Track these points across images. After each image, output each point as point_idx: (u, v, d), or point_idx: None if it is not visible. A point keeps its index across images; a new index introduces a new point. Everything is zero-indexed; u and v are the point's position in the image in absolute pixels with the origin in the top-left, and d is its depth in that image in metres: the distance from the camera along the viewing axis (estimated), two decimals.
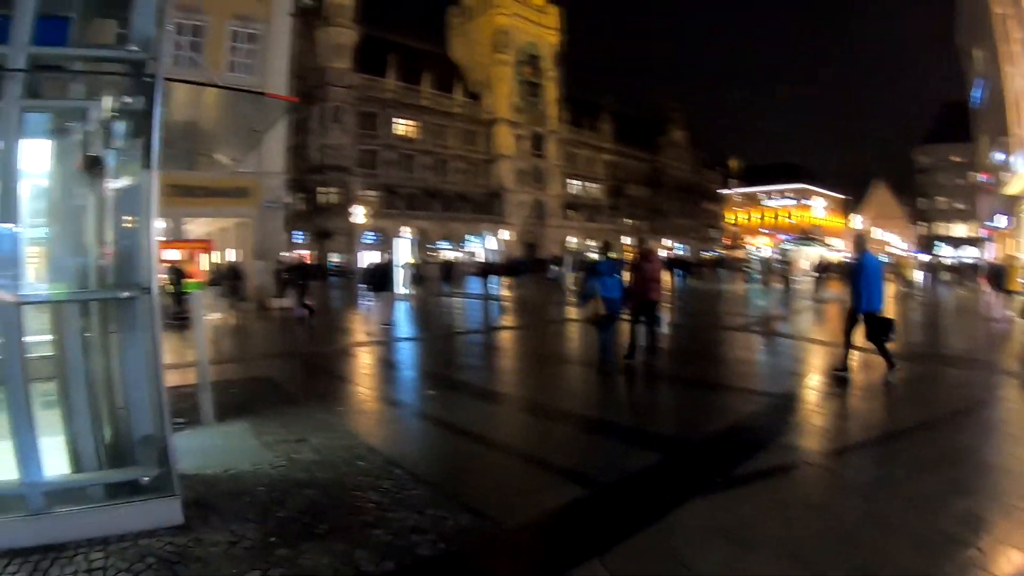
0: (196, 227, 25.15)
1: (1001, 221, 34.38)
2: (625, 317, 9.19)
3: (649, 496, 4.41)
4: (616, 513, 4.15)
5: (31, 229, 4.05)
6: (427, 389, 8.55)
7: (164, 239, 20.59)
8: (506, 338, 14.12)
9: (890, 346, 8.19)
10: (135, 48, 3.91)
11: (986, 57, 34.54)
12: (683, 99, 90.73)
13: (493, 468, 5.17)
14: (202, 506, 4.05)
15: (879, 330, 8.12)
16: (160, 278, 16.75)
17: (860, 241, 8.70)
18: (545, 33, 68.97)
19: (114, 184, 4.09)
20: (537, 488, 4.57)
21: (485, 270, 24.18)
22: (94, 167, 4.11)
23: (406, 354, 11.88)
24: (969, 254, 71.87)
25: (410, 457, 5.21)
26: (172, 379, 6.72)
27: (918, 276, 27.70)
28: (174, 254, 19.14)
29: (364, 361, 11.06)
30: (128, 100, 3.93)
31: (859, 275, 8.17)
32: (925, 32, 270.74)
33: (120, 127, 4.03)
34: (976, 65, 39.97)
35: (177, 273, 17.71)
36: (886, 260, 38.05)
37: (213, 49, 21.94)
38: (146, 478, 3.79)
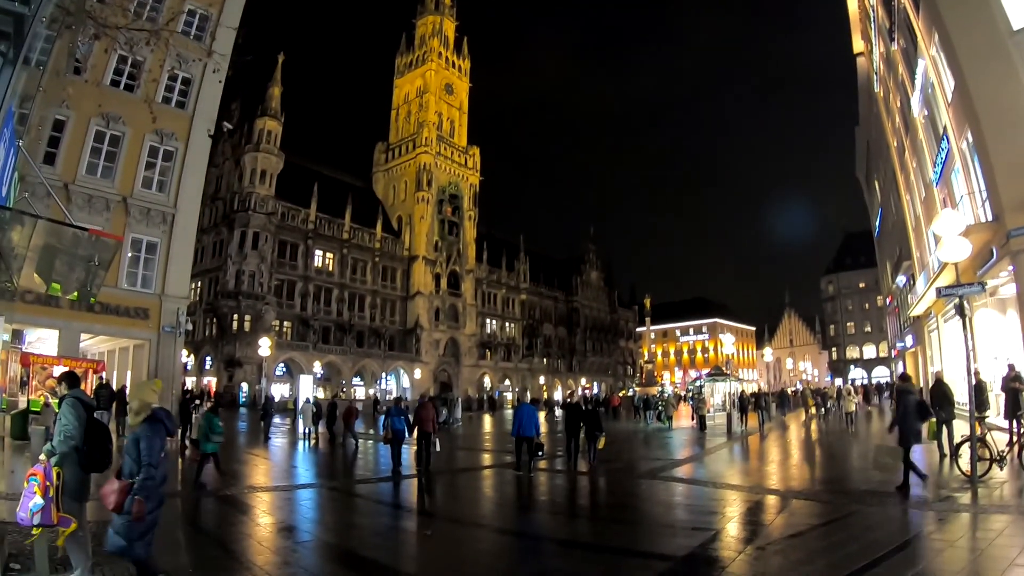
0: (93, 345, 23.36)
1: (908, 341, 35.91)
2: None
3: None
4: None
5: None
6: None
7: (54, 355, 18.90)
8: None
9: None
10: None
11: (884, 187, 37.71)
12: (599, 240, 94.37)
13: None
14: None
15: (528, 449, 12.68)
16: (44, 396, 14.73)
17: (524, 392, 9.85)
18: (466, 173, 71.78)
19: None
20: None
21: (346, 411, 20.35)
22: None
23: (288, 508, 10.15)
24: (880, 375, 76.15)
25: None
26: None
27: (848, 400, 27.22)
28: (60, 371, 17.35)
29: (235, 514, 9.37)
30: None
31: (515, 413, 13.56)
32: (832, 169, 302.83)
33: None
34: (876, 196, 43.50)
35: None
36: (799, 388, 39.97)
37: (128, 162, 21.26)
38: None
